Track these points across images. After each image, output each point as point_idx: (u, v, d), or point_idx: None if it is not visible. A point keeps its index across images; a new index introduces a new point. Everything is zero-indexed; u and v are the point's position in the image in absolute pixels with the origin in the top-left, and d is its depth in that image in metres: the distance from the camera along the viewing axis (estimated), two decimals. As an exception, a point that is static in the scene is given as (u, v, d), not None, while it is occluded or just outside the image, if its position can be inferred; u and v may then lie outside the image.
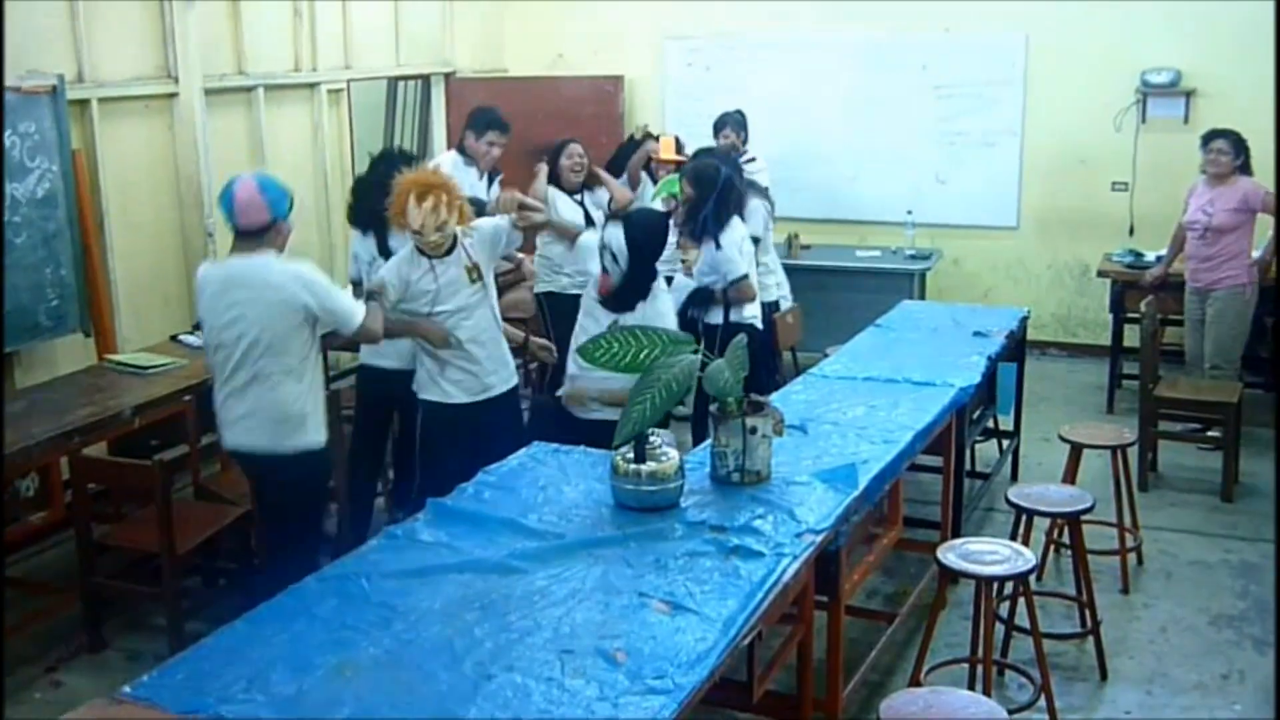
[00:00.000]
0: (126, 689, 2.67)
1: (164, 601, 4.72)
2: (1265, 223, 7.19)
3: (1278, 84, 6.96)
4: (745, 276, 5.85)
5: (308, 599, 3.09)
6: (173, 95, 6.70)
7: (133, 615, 5.12)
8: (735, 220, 5.92)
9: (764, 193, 6.83)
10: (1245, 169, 6.94)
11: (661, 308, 4.85)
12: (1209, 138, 7.05)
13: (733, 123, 7.79)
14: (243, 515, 5.00)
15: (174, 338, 6.11)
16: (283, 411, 4.31)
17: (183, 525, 4.73)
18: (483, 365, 4.88)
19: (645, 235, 4.79)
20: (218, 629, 2.96)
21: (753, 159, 7.48)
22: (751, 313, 5.99)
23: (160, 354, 5.80)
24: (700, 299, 5.84)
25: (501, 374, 4.97)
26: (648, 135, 7.55)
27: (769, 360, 6.36)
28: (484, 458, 4.16)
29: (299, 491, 4.40)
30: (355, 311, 4.43)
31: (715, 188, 5.83)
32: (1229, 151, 6.90)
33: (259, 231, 4.24)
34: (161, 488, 4.57)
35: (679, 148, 7.28)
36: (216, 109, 7.00)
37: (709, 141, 7.35)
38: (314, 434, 4.40)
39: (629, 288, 4.78)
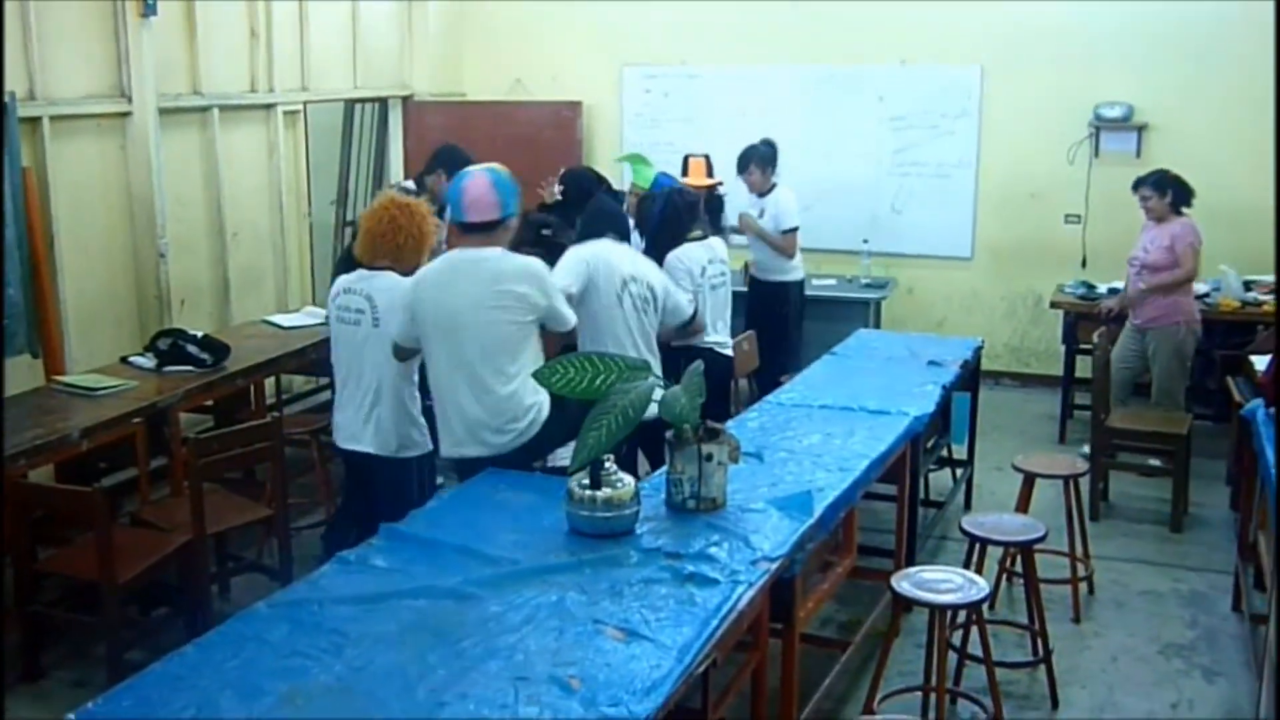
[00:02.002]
0: (70, 716, 2.61)
1: (104, 631, 4.61)
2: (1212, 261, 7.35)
3: (1277, 96, 7.00)
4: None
5: (258, 625, 3.04)
6: (126, 114, 6.65)
7: (73, 644, 5.02)
8: (683, 249, 5.89)
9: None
10: (1180, 202, 7.03)
11: None
12: (1135, 186, 7.18)
13: (757, 158, 7.64)
14: (185, 544, 4.92)
15: (124, 359, 6.03)
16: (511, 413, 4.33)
17: (123, 553, 4.63)
18: None
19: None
20: (163, 656, 2.90)
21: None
22: (718, 338, 6.01)
23: (110, 376, 5.72)
24: None
25: None
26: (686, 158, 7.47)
27: (728, 388, 6.35)
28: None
29: None
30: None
31: (651, 220, 5.97)
32: (1152, 195, 7.03)
33: (479, 226, 4.33)
34: (102, 516, 4.46)
35: (709, 171, 7.24)
36: (170, 129, 6.95)
37: (668, 168, 7.31)
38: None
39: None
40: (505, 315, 4.29)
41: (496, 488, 4.06)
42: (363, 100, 9.32)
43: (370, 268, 4.77)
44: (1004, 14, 8.71)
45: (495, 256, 4.34)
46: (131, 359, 5.99)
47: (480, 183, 4.34)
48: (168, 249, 6.84)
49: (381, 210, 4.78)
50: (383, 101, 9.42)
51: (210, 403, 6.32)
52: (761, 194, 7.70)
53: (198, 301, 7.30)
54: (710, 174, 7.24)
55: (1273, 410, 5.02)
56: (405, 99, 9.42)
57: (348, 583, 3.29)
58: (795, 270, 7.76)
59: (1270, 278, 7.60)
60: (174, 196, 6.96)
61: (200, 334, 6.10)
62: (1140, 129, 8.49)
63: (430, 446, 4.79)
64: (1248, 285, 7.68)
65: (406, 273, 4.69)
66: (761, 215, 7.67)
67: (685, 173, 7.27)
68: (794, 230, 7.63)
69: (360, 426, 4.78)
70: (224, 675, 2.78)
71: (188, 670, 2.81)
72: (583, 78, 9.67)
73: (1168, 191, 7.01)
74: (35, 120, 6.08)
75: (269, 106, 7.86)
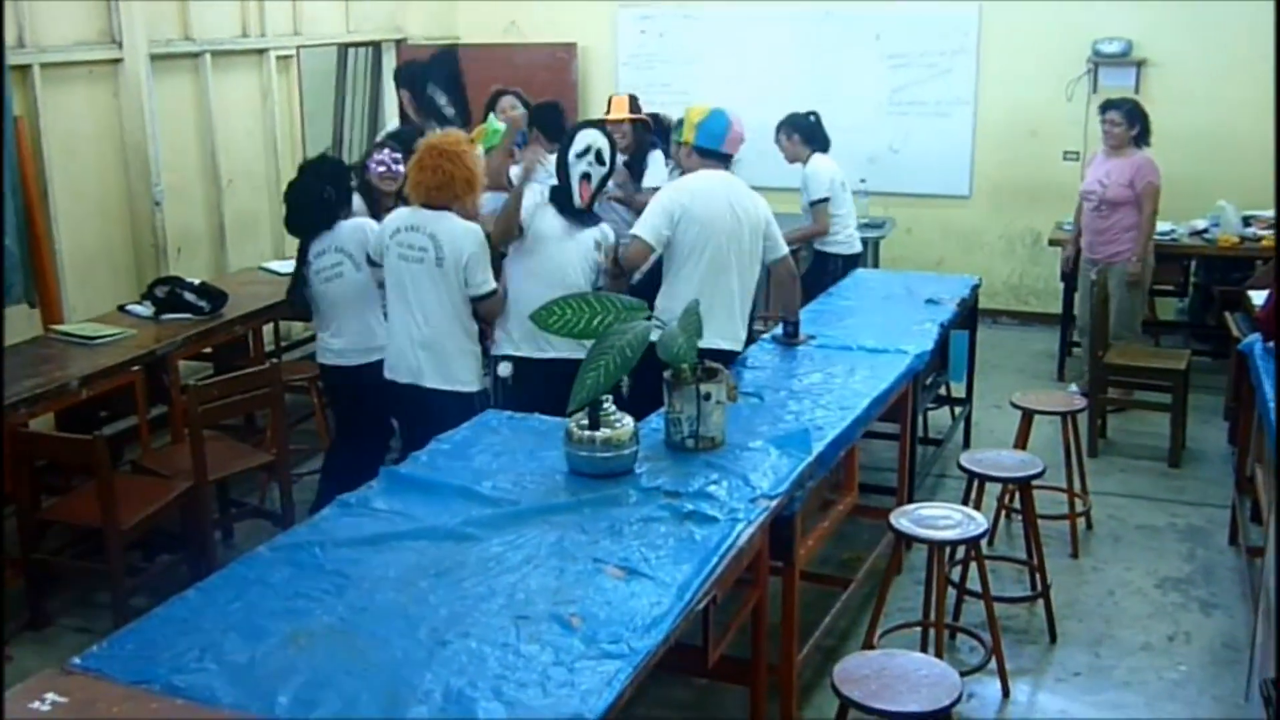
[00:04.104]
0: (76, 660, 2.63)
1: (108, 577, 4.64)
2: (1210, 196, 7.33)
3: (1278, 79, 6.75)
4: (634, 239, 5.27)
5: (260, 567, 3.06)
6: (117, 61, 6.59)
7: (77, 591, 5.06)
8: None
9: None
10: (1142, 139, 6.99)
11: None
12: (1104, 108, 7.12)
13: (786, 125, 7.24)
14: (186, 490, 4.94)
15: (122, 308, 6.02)
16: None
17: (125, 500, 4.65)
18: None
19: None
20: (168, 599, 2.92)
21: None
22: None
23: (108, 324, 5.72)
24: None
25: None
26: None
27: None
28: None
29: None
30: None
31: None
32: (1122, 122, 6.96)
33: (729, 158, 4.89)
34: (103, 463, 4.48)
35: (634, 107, 6.59)
36: (162, 75, 6.89)
37: (664, 110, 7.19)
38: None
39: (599, 191, 4.99)
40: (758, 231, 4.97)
41: (496, 429, 4.07)
42: (356, 44, 9.23)
43: (427, 207, 4.81)
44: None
45: (738, 182, 4.97)
46: (129, 307, 5.99)
47: (739, 121, 4.89)
48: (163, 197, 6.81)
49: (428, 161, 4.77)
50: (376, 46, 9.33)
51: (209, 350, 6.32)
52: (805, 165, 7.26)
53: (194, 249, 7.28)
54: (635, 110, 6.52)
55: (1271, 345, 5.02)
56: (399, 43, 9.34)
57: (349, 525, 3.31)
58: (835, 243, 7.29)
59: (1269, 213, 7.58)
60: (168, 144, 6.91)
61: (197, 281, 6.09)
62: (1139, 64, 8.42)
63: (478, 387, 4.92)
64: (1246, 221, 7.65)
65: (468, 214, 4.85)
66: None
67: (608, 110, 6.67)
68: (821, 202, 7.13)
69: (416, 360, 4.84)
70: (227, 617, 2.81)
71: (191, 613, 2.84)
72: (577, 19, 9.60)
73: (1136, 123, 6.96)
74: (25, 68, 6.03)
75: (261, 51, 7.79)
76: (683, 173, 4.92)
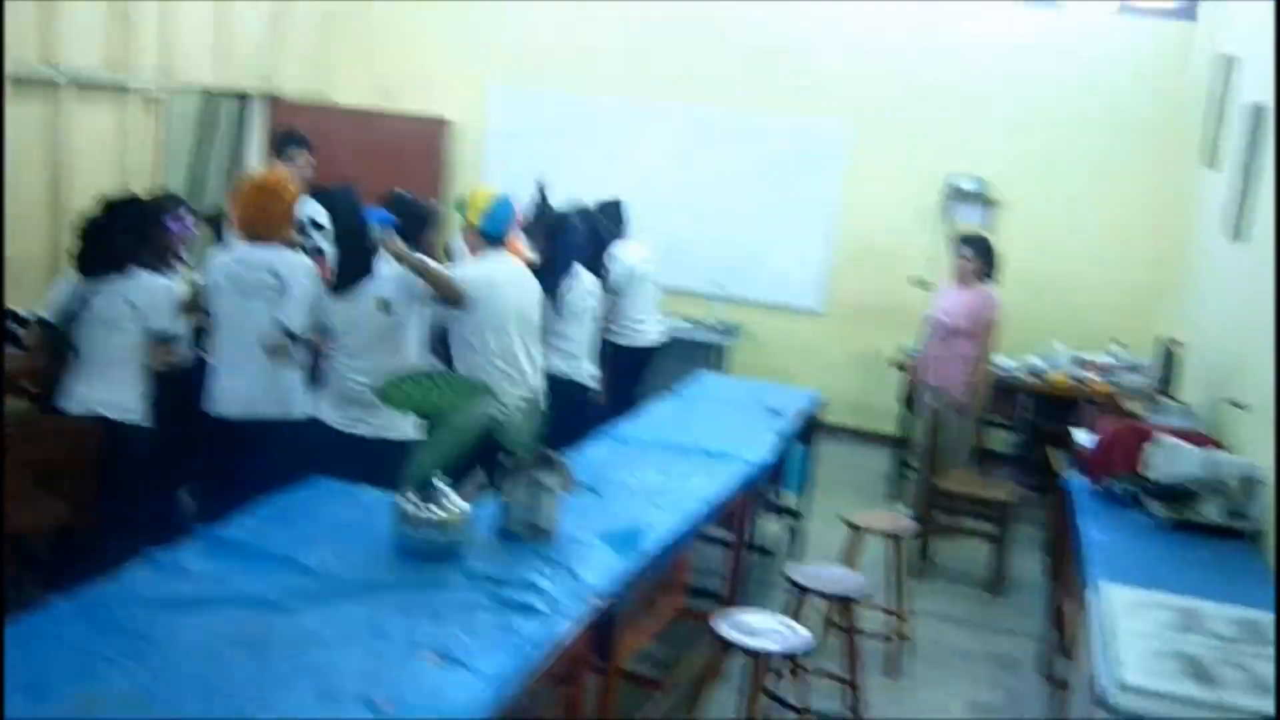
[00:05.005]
0: None
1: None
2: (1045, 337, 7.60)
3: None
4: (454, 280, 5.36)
5: (54, 621, 2.90)
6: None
7: None
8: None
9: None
10: (987, 272, 7.24)
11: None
12: (956, 242, 7.38)
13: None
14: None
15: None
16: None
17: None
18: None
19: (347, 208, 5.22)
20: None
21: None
22: (587, 370, 6.32)
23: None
24: None
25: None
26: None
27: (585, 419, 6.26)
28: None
29: None
30: None
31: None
32: (971, 258, 7.21)
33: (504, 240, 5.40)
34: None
35: (534, 226, 6.44)
36: (15, 101, 6.65)
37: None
38: None
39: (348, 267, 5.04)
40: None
41: (324, 499, 3.97)
42: (226, 93, 9.05)
43: (254, 241, 5.08)
44: (880, 71, 8.98)
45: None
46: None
47: (519, 206, 5.49)
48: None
49: (250, 197, 5.14)
50: (246, 97, 9.17)
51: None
52: None
53: (30, 280, 6.98)
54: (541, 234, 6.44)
55: (1098, 484, 5.16)
56: (273, 100, 9.19)
57: (156, 584, 3.17)
58: (613, 333, 7.41)
59: (1099, 356, 7.90)
60: (13, 174, 6.64)
61: (27, 314, 5.85)
62: (989, 203, 8.74)
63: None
64: (1080, 362, 7.96)
65: (285, 244, 5.16)
66: None
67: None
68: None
69: (258, 392, 4.98)
70: (13, 675, 2.63)
71: (-29, 667, 2.66)
72: (450, 91, 9.63)
73: (984, 259, 7.21)
74: None
75: (125, 89, 7.59)
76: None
